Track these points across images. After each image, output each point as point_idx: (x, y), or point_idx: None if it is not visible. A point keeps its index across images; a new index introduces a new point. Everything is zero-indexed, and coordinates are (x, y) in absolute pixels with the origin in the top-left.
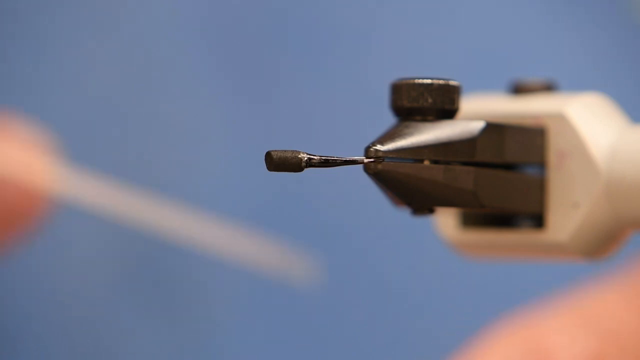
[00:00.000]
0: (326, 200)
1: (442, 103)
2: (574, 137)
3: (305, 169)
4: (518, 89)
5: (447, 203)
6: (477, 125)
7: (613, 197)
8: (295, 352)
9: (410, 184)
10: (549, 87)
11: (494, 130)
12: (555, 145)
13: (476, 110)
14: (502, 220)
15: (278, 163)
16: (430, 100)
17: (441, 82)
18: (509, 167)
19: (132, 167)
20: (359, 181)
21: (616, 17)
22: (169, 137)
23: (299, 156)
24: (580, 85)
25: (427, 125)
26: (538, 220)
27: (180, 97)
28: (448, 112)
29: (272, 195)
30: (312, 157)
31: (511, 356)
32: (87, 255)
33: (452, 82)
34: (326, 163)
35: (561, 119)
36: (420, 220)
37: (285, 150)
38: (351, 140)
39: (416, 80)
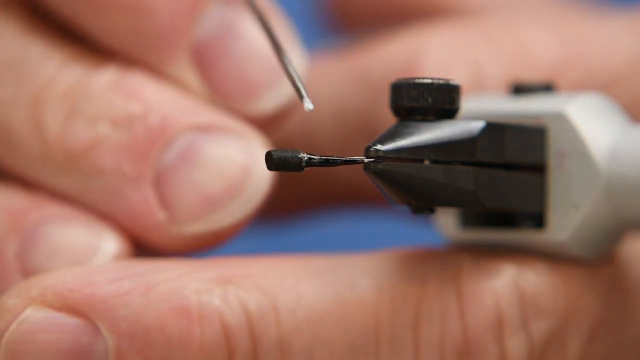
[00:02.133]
0: None
1: (442, 103)
2: (574, 137)
3: (306, 169)
4: (518, 89)
5: (447, 203)
6: (477, 125)
7: (613, 197)
8: None
9: (411, 184)
10: (548, 87)
11: (494, 130)
12: (555, 145)
13: (476, 110)
14: (502, 220)
15: (278, 163)
16: (430, 100)
17: (441, 81)
18: (509, 167)
19: None
20: None
21: None
22: None
23: (299, 156)
24: None
25: (427, 125)
26: (538, 220)
27: None
28: (448, 111)
29: None
30: (312, 156)
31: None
32: None
33: (452, 82)
34: (326, 162)
35: (561, 119)
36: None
37: (285, 150)
38: None
39: (416, 80)
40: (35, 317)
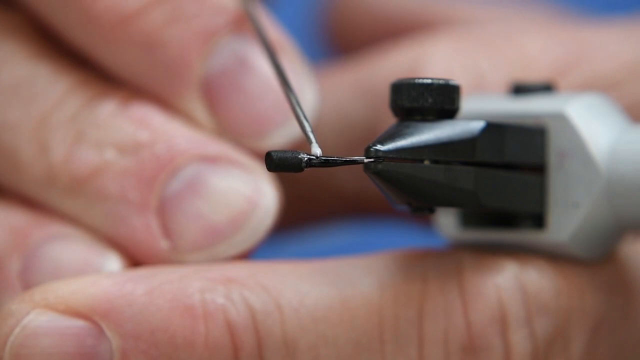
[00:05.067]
0: None
1: (442, 103)
2: (574, 137)
3: (306, 169)
4: (518, 89)
5: (447, 203)
6: (477, 125)
7: (613, 197)
8: None
9: (411, 184)
10: (548, 87)
11: (494, 130)
12: (555, 145)
13: (476, 110)
14: (502, 220)
15: (278, 163)
16: (430, 100)
17: (441, 82)
18: (509, 167)
19: None
20: None
21: None
22: None
23: (299, 156)
24: None
25: (427, 125)
26: (538, 220)
27: None
28: (448, 112)
29: None
30: (312, 157)
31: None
32: None
33: (452, 82)
34: (326, 163)
35: (561, 119)
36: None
37: (285, 150)
38: None
39: (416, 80)
40: (38, 321)
